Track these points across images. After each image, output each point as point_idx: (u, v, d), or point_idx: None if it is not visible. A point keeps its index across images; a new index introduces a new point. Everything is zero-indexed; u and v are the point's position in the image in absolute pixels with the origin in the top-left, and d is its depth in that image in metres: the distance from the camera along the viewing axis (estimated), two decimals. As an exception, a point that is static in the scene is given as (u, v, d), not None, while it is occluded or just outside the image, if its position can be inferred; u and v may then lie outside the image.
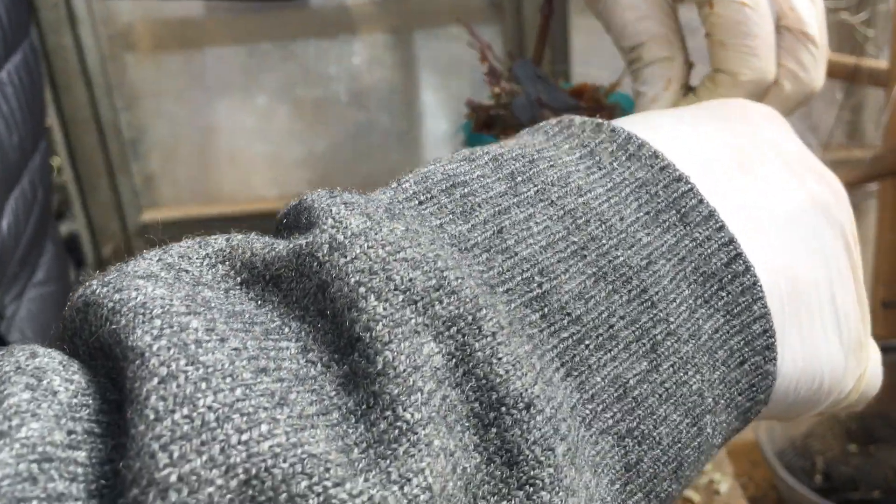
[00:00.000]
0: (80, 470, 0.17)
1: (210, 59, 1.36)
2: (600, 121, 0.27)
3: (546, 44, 0.50)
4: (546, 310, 0.22)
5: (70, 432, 0.17)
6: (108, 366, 0.19)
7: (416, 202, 0.23)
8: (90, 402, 0.18)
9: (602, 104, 0.47)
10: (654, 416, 0.23)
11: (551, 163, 0.25)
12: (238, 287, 0.21)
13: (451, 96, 1.42)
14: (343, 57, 1.39)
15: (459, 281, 0.21)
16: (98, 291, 0.20)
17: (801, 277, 0.26)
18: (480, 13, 1.33)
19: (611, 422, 0.22)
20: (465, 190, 0.24)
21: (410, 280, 0.20)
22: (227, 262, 0.22)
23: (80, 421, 0.17)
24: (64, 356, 0.19)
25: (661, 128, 0.28)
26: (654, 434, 0.23)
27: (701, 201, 0.25)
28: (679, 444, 0.23)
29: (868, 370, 0.30)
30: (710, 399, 0.24)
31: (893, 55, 0.85)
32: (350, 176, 1.39)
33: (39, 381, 0.18)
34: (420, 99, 1.42)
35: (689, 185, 0.25)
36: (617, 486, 0.22)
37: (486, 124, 0.48)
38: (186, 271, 0.21)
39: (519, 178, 0.24)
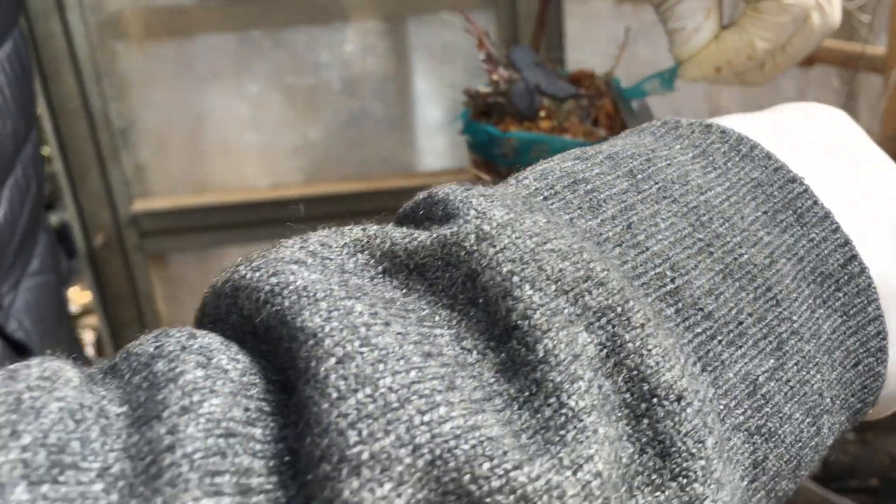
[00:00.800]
0: (258, 446, 0.17)
1: (201, 47, 1.35)
2: (709, 122, 0.27)
3: (545, 30, 0.49)
4: (680, 304, 0.22)
5: (245, 409, 0.18)
6: (261, 349, 0.19)
7: (542, 197, 0.23)
8: (257, 380, 0.18)
9: (601, 90, 0.47)
10: (780, 414, 0.23)
11: (668, 161, 0.25)
12: (380, 276, 0.21)
13: (445, 84, 1.41)
14: (335, 44, 1.38)
15: (606, 272, 0.21)
16: (250, 276, 0.20)
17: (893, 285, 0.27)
18: None
19: (742, 418, 0.22)
20: (588, 186, 0.24)
21: (560, 270, 0.20)
22: (366, 251, 0.22)
23: (252, 399, 0.18)
24: (220, 336, 0.20)
25: (761, 129, 0.28)
26: (780, 432, 0.23)
27: (816, 202, 0.25)
28: (800, 444, 0.24)
29: None
30: (829, 399, 0.24)
31: (890, 41, 0.84)
32: (343, 164, 1.38)
33: (209, 360, 0.18)
34: (413, 86, 1.41)
35: (804, 187, 0.26)
36: (745, 482, 0.23)
37: (483, 112, 0.48)
38: (330, 259, 0.21)
39: (639, 176, 0.24)
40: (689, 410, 0.20)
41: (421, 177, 1.37)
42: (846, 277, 0.25)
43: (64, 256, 2.56)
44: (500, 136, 0.45)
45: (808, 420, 0.24)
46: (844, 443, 0.82)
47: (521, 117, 0.46)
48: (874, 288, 0.25)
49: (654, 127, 0.28)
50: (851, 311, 0.25)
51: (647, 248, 0.23)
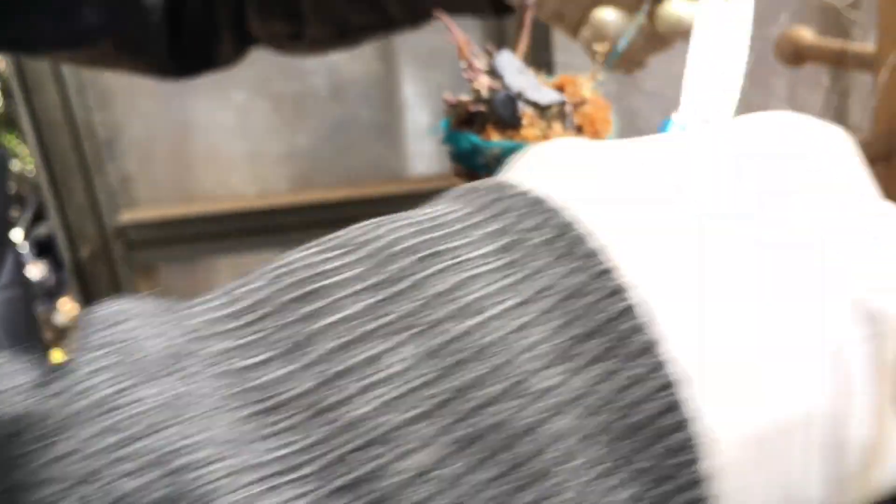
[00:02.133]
0: None
1: (185, 55, 1.34)
2: (539, 196, 0.20)
3: (529, 35, 0.48)
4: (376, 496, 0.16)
5: None
6: None
7: (233, 325, 0.18)
8: None
9: (584, 98, 0.46)
10: None
11: (453, 259, 0.19)
12: None
13: (432, 89, 1.40)
14: (321, 50, 1.37)
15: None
16: None
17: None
18: (460, 3, 1.31)
19: None
20: (310, 308, 0.18)
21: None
22: None
23: None
24: None
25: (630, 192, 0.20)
26: None
27: (642, 325, 0.18)
28: None
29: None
30: None
31: (880, 39, 0.83)
32: (331, 171, 1.37)
33: None
34: (401, 91, 1.40)
35: (629, 302, 0.18)
36: None
37: (466, 121, 0.47)
38: None
39: (395, 287, 0.18)
40: None
41: (410, 182, 1.36)
42: (660, 432, 0.18)
43: (53, 269, 2.55)
44: (482, 145, 0.44)
45: None
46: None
47: (504, 126, 0.45)
48: (699, 444, 0.18)
49: (479, 194, 0.21)
50: (663, 476, 0.18)
51: (345, 414, 0.16)
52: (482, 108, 0.45)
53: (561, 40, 1.33)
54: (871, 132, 0.86)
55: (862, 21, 0.88)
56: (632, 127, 1.46)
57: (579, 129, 0.45)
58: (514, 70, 0.46)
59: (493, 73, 0.46)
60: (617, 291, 0.18)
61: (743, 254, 0.19)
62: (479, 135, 0.45)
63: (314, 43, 0.64)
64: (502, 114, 0.44)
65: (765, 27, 0.94)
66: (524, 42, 0.48)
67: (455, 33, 0.46)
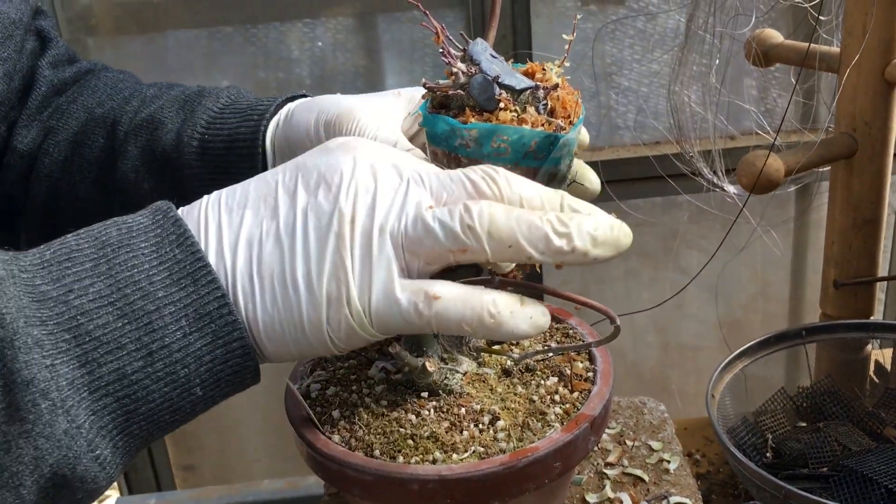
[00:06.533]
0: None
1: (171, 43, 1.35)
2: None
3: (497, 23, 0.51)
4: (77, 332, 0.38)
5: None
6: None
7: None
8: None
9: (556, 83, 0.48)
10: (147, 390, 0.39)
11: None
12: None
13: (416, 80, 1.42)
14: (306, 40, 1.38)
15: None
16: None
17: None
18: (444, -3, 1.34)
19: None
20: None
21: None
22: None
23: None
24: None
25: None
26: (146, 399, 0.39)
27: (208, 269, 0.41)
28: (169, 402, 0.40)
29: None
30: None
31: (844, 40, 0.87)
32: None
33: None
34: (384, 82, 1.42)
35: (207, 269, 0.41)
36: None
37: (442, 104, 0.49)
38: None
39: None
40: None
41: (391, 172, 1.38)
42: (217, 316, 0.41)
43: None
44: (460, 126, 0.47)
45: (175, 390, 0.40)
46: (797, 431, 0.85)
47: (481, 109, 0.47)
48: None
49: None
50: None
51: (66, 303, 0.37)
52: (460, 91, 0.47)
53: (540, 36, 1.36)
54: (835, 130, 0.90)
55: (829, 23, 0.92)
56: (607, 120, 1.48)
57: (552, 113, 0.48)
58: (489, 56, 0.49)
59: (468, 59, 0.48)
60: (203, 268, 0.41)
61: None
62: (456, 117, 0.48)
63: None
64: (479, 97, 0.47)
65: (735, 28, 0.97)
66: (493, 30, 0.51)
67: (431, 19, 0.49)
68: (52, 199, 0.64)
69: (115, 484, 1.68)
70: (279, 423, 1.57)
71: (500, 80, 0.47)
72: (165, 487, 1.64)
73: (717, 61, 0.97)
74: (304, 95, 0.64)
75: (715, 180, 1.02)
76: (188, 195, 0.60)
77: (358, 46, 1.39)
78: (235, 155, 0.60)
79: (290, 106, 0.62)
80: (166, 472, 1.63)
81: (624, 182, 1.40)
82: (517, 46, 1.35)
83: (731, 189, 1.02)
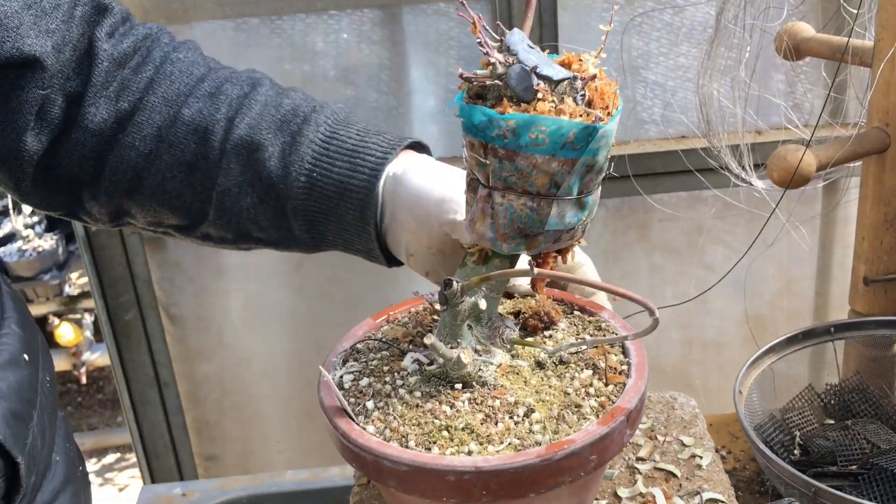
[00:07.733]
0: None
1: (198, 34, 1.35)
2: None
3: (532, 13, 0.50)
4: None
5: None
6: None
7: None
8: None
9: (593, 73, 0.48)
10: None
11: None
12: None
13: (440, 73, 1.42)
14: (331, 32, 1.38)
15: None
16: None
17: None
18: (469, -10, 1.33)
19: None
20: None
21: None
22: None
23: None
24: None
25: None
26: None
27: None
28: None
29: None
30: None
31: (878, 34, 0.86)
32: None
33: None
34: (408, 75, 1.42)
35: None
36: None
37: (478, 95, 0.49)
38: None
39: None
40: None
41: (415, 165, 1.38)
42: None
43: (63, 242, 2.55)
44: (497, 117, 0.47)
45: None
46: (825, 428, 0.84)
47: (518, 100, 0.47)
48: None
49: None
50: None
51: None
52: (497, 82, 0.47)
53: (567, 29, 1.36)
54: (867, 125, 0.89)
55: (861, 17, 0.91)
56: (633, 114, 1.48)
57: (590, 104, 0.48)
58: (526, 47, 0.48)
59: (505, 49, 0.48)
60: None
61: None
62: (494, 108, 0.47)
63: (205, 238, 0.68)
64: (517, 87, 0.47)
65: (766, 21, 0.96)
66: (529, 20, 0.51)
67: (468, 9, 0.48)
68: (134, 187, 0.65)
69: (138, 472, 1.69)
70: (301, 413, 1.57)
71: (538, 71, 0.47)
72: (188, 477, 1.65)
73: (747, 55, 0.97)
74: (412, 140, 0.66)
75: (743, 175, 1.01)
76: (290, 218, 0.64)
77: (383, 38, 1.39)
78: (347, 202, 0.62)
79: (404, 161, 0.63)
80: (189, 461, 1.64)
81: (649, 176, 1.39)
82: (543, 39, 1.34)
83: (759, 184, 1.02)
